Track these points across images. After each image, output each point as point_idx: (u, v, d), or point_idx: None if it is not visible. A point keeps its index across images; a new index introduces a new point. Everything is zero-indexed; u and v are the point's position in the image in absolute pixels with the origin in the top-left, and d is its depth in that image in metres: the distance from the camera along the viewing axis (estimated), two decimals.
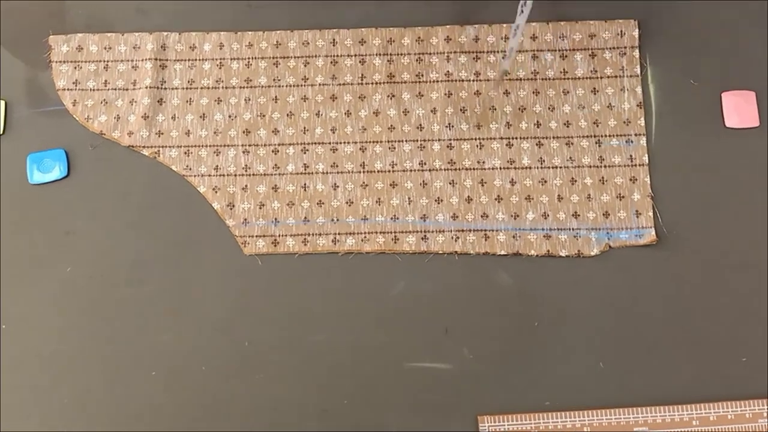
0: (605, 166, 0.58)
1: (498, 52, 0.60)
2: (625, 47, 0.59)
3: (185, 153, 0.59)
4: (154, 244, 0.57)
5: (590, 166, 0.58)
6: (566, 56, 0.60)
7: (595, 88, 0.59)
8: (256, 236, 0.57)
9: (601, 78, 0.59)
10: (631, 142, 0.58)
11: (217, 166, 0.58)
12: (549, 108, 0.59)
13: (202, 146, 0.59)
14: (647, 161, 0.57)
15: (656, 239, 0.56)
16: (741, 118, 0.58)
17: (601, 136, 0.58)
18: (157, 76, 0.60)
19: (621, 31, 0.59)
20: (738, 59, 0.59)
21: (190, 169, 0.58)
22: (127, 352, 0.55)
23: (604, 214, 0.57)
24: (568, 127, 0.58)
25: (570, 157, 0.58)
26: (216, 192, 0.58)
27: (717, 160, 0.57)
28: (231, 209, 0.58)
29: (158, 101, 0.60)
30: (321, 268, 0.56)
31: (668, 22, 0.60)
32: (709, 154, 0.57)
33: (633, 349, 0.54)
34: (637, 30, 0.59)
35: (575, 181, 0.57)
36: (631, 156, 0.58)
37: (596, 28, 0.60)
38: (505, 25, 0.60)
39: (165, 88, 0.60)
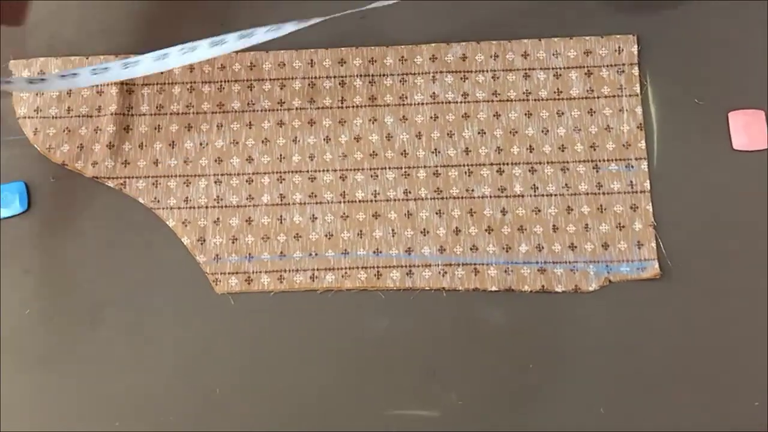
0: (604, 194, 0.54)
1: (487, 71, 0.56)
2: (624, 64, 0.55)
3: (153, 184, 0.55)
4: (118, 282, 0.53)
5: (587, 194, 0.54)
6: (560, 75, 0.56)
7: (591, 109, 0.55)
8: (229, 273, 0.53)
9: (598, 98, 0.55)
10: (632, 167, 0.54)
11: (187, 197, 0.55)
12: (542, 131, 0.55)
13: (171, 176, 0.55)
14: (649, 187, 0.53)
15: (660, 273, 0.52)
16: (750, 139, 0.54)
17: (599, 160, 0.54)
18: (124, 102, 0.56)
19: (619, 48, 0.56)
20: (746, 75, 0.54)
21: (158, 201, 0.55)
22: (88, 400, 0.51)
23: (602, 246, 0.53)
24: (563, 151, 0.54)
25: (566, 184, 0.54)
26: (186, 226, 0.54)
27: (725, 186, 0.53)
28: (202, 244, 0.54)
29: (125, 129, 0.56)
30: (298, 307, 0.52)
31: (670, 37, 0.56)
32: (715, 179, 0.53)
33: (636, 393, 0.50)
34: (636, 46, 0.56)
35: (571, 209, 0.53)
36: (631, 182, 0.54)
37: (592, 44, 0.56)
38: (494, 42, 0.57)
39: (132, 115, 0.56)
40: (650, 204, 0.53)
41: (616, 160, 0.54)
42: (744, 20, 0.56)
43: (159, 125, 0.56)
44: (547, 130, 0.55)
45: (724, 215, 0.53)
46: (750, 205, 0.53)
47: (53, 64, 0.57)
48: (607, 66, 0.56)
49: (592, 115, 0.55)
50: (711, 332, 0.51)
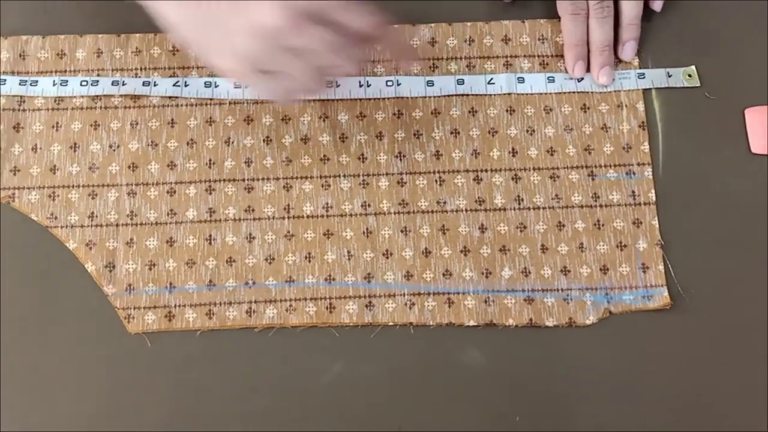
0: (601, 206, 0.46)
1: (462, 58, 0.48)
2: None
3: (49, 196, 0.46)
4: (6, 319, 0.44)
5: (582, 206, 0.46)
6: (548, 64, 0.49)
7: (585, 105, 0.48)
8: (145, 308, 0.44)
9: (593, 91, 0.48)
10: (634, 173, 0.46)
11: (93, 213, 0.45)
12: (527, 131, 0.47)
13: (73, 187, 0.46)
14: (654, 198, 0.46)
15: (670, 302, 0.44)
16: None
17: (595, 166, 0.47)
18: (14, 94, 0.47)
19: None
20: (765, 66, 0.48)
21: (56, 218, 0.45)
22: None
23: (601, 270, 0.45)
24: (552, 155, 0.47)
25: (556, 195, 0.46)
26: (90, 249, 0.45)
27: (743, 196, 0.46)
28: (111, 272, 0.44)
29: (14, 127, 0.47)
30: (231, 349, 0.44)
31: (675, 20, 0.49)
32: (732, 187, 0.47)
33: None
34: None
35: (563, 225, 0.45)
36: (633, 192, 0.46)
37: None
38: (469, 23, 0.48)
39: (24, 110, 0.47)
40: (656, 218, 0.46)
41: (615, 165, 0.47)
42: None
43: (57, 123, 0.47)
44: (533, 130, 0.47)
45: (744, 231, 0.46)
46: None
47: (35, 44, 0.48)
48: None
49: (585, 111, 0.48)
50: (728, 372, 0.44)
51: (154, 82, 0.47)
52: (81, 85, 0.47)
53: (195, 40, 0.39)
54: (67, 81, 0.47)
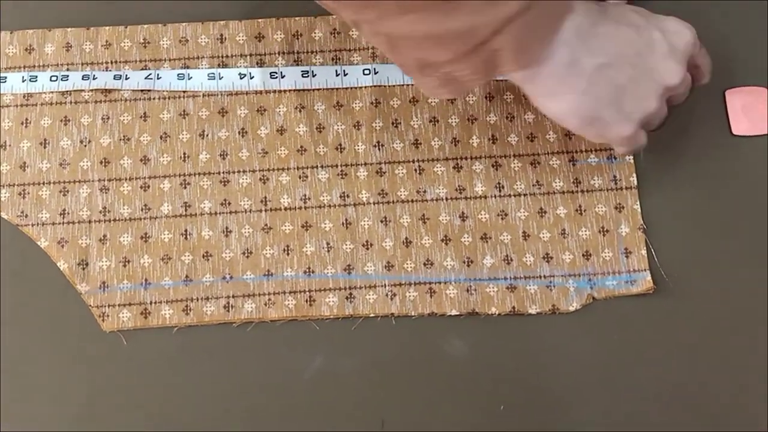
0: (582, 192, 0.45)
1: None
2: None
3: (20, 194, 0.45)
4: None
5: (563, 192, 0.45)
6: None
7: None
8: (120, 305, 0.43)
9: None
10: (615, 158, 0.46)
11: (65, 210, 0.44)
12: (507, 117, 0.46)
13: (44, 184, 0.45)
14: (636, 183, 0.46)
15: (653, 286, 0.44)
16: (751, 122, 0.46)
17: (576, 151, 0.46)
18: None
19: None
20: (745, 48, 0.48)
21: (27, 215, 0.44)
22: None
23: (584, 255, 0.44)
24: (532, 141, 0.46)
25: (537, 181, 0.45)
26: (63, 246, 0.43)
27: (725, 179, 0.46)
28: (84, 269, 0.43)
29: None
30: (209, 345, 0.43)
31: (656, 3, 0.47)
32: (714, 171, 0.46)
33: None
34: None
35: (545, 212, 0.44)
36: (615, 177, 0.45)
37: None
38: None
39: None
40: (638, 203, 0.45)
41: (595, 150, 0.46)
42: None
43: (27, 119, 0.46)
44: (513, 116, 0.46)
45: (726, 214, 0.45)
46: (755, 200, 0.45)
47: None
48: None
49: None
50: (713, 357, 0.43)
51: (126, 75, 0.46)
52: (51, 80, 0.46)
53: (592, 116, 0.38)
54: (36, 77, 0.46)
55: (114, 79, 0.46)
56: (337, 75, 0.47)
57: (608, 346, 0.43)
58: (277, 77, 0.46)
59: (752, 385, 0.42)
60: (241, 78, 0.46)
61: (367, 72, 0.47)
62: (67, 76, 0.46)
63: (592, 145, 0.46)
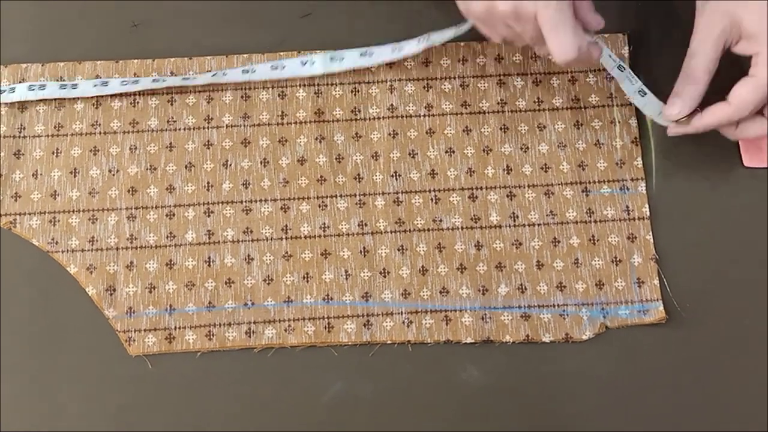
0: (596, 222, 0.46)
1: (455, 78, 0.48)
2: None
3: (50, 222, 0.46)
4: (8, 345, 0.44)
5: (577, 222, 0.46)
6: (540, 81, 0.48)
7: (578, 121, 0.48)
8: (145, 330, 0.44)
9: (586, 108, 0.48)
10: (627, 189, 0.46)
11: (93, 237, 0.45)
12: (521, 148, 0.47)
13: (73, 212, 0.46)
14: (648, 213, 0.46)
15: (665, 316, 0.44)
16: (762, 155, 0.46)
17: (589, 182, 0.46)
18: (14, 122, 0.47)
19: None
20: None
21: (57, 242, 0.45)
22: None
23: (597, 285, 0.45)
24: (546, 172, 0.47)
25: (550, 211, 0.46)
26: (91, 273, 0.45)
27: (736, 210, 0.46)
28: (111, 295, 0.44)
29: (15, 154, 0.47)
30: (231, 370, 0.44)
31: (666, 35, 0.49)
32: (725, 202, 0.47)
33: None
34: (627, 46, 0.49)
35: (558, 241, 0.45)
36: (627, 207, 0.46)
37: None
38: (462, 44, 0.48)
39: (24, 137, 0.47)
40: (650, 233, 0.46)
41: (608, 181, 0.47)
42: None
43: (58, 149, 0.47)
44: (527, 147, 0.47)
45: (737, 245, 0.46)
46: (766, 232, 0.45)
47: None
48: (595, 71, 0.48)
49: (579, 128, 0.48)
50: (727, 386, 0.43)
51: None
52: (93, 86, 0.47)
53: None
54: (77, 84, 0.47)
55: (153, 82, 0.47)
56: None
57: (621, 374, 0.44)
58: (336, 60, 0.47)
59: (765, 415, 0.43)
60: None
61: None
62: (107, 82, 0.47)
63: (605, 176, 0.47)
